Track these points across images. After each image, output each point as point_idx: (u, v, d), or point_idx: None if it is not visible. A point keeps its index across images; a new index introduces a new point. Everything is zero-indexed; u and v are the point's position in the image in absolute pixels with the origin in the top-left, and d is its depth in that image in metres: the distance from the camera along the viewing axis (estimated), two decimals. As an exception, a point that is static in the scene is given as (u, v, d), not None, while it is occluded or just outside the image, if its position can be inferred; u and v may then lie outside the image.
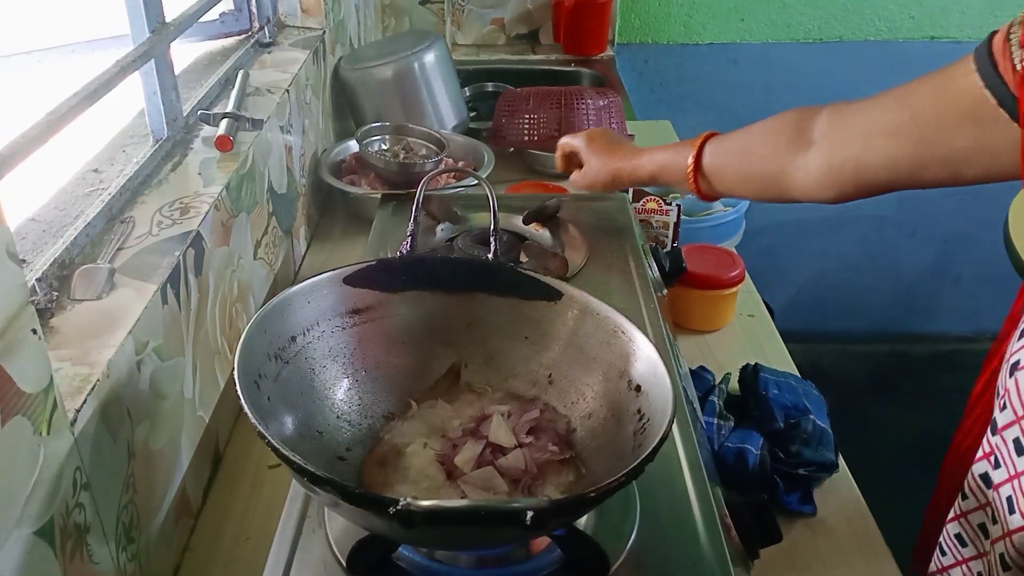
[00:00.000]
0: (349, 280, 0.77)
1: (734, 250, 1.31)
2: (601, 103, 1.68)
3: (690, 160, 1.03)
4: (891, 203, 2.76)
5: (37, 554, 0.58)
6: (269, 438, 0.56)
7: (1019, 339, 0.66)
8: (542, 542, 0.65)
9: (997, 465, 0.67)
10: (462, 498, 0.65)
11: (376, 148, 1.57)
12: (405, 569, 0.64)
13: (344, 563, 0.63)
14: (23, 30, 1.14)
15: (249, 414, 0.58)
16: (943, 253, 2.85)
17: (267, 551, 0.64)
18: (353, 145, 1.58)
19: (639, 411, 0.67)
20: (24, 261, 0.76)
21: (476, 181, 0.93)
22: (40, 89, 1.03)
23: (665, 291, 1.07)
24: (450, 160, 1.60)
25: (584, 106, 1.66)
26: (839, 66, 2.53)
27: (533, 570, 0.64)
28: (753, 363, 1.06)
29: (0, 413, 0.53)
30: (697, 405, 0.93)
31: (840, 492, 0.96)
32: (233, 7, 1.48)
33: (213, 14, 1.44)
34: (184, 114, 1.11)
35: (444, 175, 1.48)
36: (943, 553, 0.75)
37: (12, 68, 1.10)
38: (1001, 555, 0.66)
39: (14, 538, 0.55)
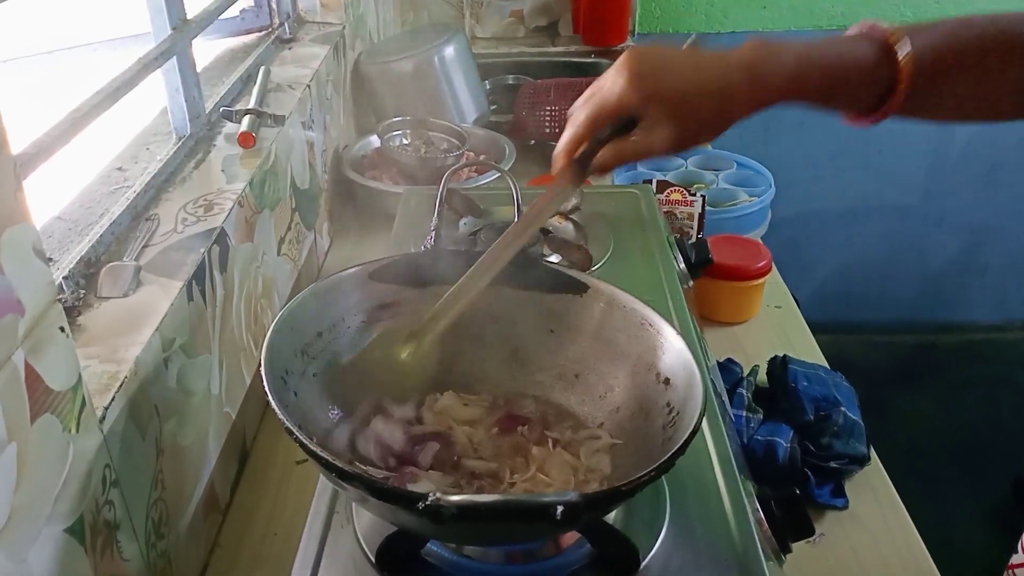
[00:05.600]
0: (374, 275, 0.76)
1: (760, 241, 1.29)
2: (623, 94, 1.66)
3: (905, 53, 0.67)
4: (916, 193, 2.72)
5: (68, 551, 0.58)
6: (297, 434, 0.56)
7: None
8: (571, 537, 0.64)
9: None
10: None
11: (397, 143, 1.56)
12: (434, 565, 0.63)
13: (373, 559, 0.62)
14: (45, 30, 1.15)
15: (277, 410, 0.58)
16: (969, 243, 2.81)
17: (295, 547, 0.64)
18: (374, 140, 1.58)
19: (668, 404, 0.66)
20: (51, 259, 0.76)
21: (498, 174, 0.93)
22: (63, 88, 1.03)
23: (691, 283, 1.06)
24: (471, 154, 1.59)
25: (606, 97, 1.65)
26: (863, 53, 2.50)
27: (563, 565, 0.63)
28: (782, 355, 1.05)
29: (29, 411, 0.53)
30: (726, 398, 0.92)
31: (872, 485, 0.94)
32: (253, 4, 1.48)
33: (234, 11, 1.44)
34: (207, 111, 1.11)
35: (466, 169, 1.48)
36: (1017, 552, 0.73)
37: (35, 67, 1.11)
38: None
39: (45, 535, 0.56)
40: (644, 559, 0.62)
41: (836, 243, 2.79)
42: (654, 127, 0.66)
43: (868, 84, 0.68)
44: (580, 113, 0.69)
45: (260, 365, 0.62)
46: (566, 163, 0.70)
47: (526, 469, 0.68)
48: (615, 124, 0.68)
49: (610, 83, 0.66)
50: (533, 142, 1.69)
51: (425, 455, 0.67)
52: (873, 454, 0.97)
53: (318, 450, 0.55)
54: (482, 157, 1.60)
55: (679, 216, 1.29)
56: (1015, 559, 0.91)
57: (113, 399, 0.65)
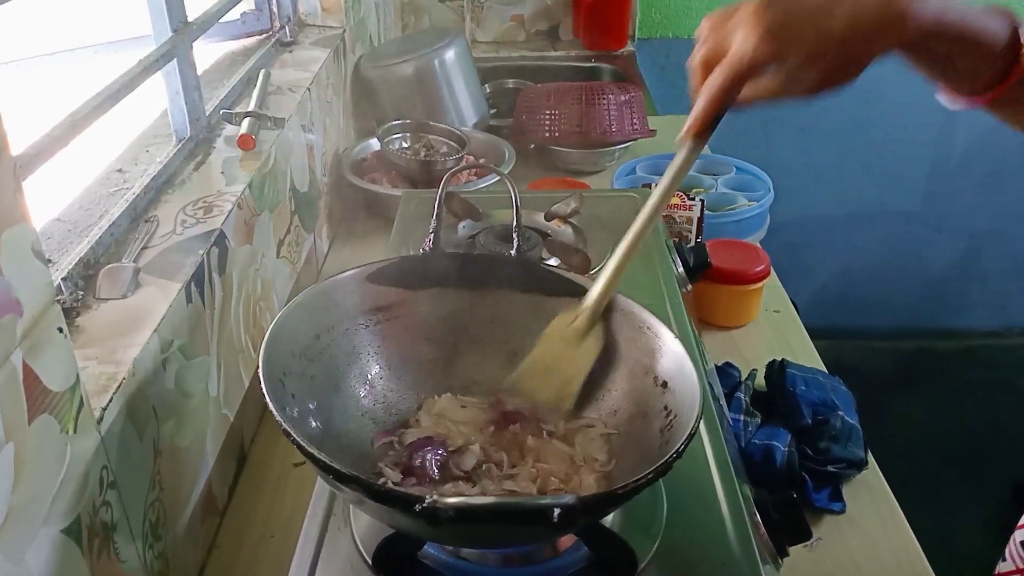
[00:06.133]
0: (373, 278, 0.76)
1: (759, 245, 1.29)
2: (623, 98, 1.67)
3: None
4: (917, 198, 2.72)
5: (65, 552, 0.58)
6: (295, 435, 0.56)
7: None
8: (568, 540, 0.64)
9: None
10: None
11: (397, 146, 1.57)
12: (431, 567, 0.63)
13: (370, 561, 0.62)
14: (46, 31, 1.15)
15: (274, 411, 0.58)
16: (970, 248, 2.81)
17: (292, 549, 0.64)
18: (374, 143, 1.58)
19: (666, 407, 0.66)
20: (50, 260, 0.77)
21: (498, 178, 0.93)
22: (63, 89, 1.03)
23: (690, 287, 1.06)
24: (471, 157, 1.59)
25: (605, 101, 1.65)
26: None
27: (560, 568, 0.63)
28: (780, 359, 1.05)
29: (27, 411, 0.53)
30: (724, 402, 0.92)
31: (870, 489, 0.94)
32: (254, 7, 1.49)
33: (234, 14, 1.44)
34: (207, 114, 1.11)
35: (465, 172, 1.48)
36: (1004, 559, 0.73)
37: (36, 69, 1.11)
38: None
39: (42, 536, 0.56)
40: (641, 563, 0.62)
41: (835, 248, 2.79)
42: (792, 71, 0.63)
43: (992, 58, 0.66)
44: (717, 78, 0.65)
45: (258, 367, 0.62)
46: (701, 129, 0.68)
47: (523, 461, 0.68)
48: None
49: (742, 38, 0.62)
50: (533, 146, 1.69)
51: (428, 463, 0.67)
52: (871, 458, 0.97)
53: (316, 452, 0.55)
54: (482, 160, 1.60)
55: (678, 220, 1.29)
56: (1001, 567, 0.91)
57: (111, 400, 0.65)
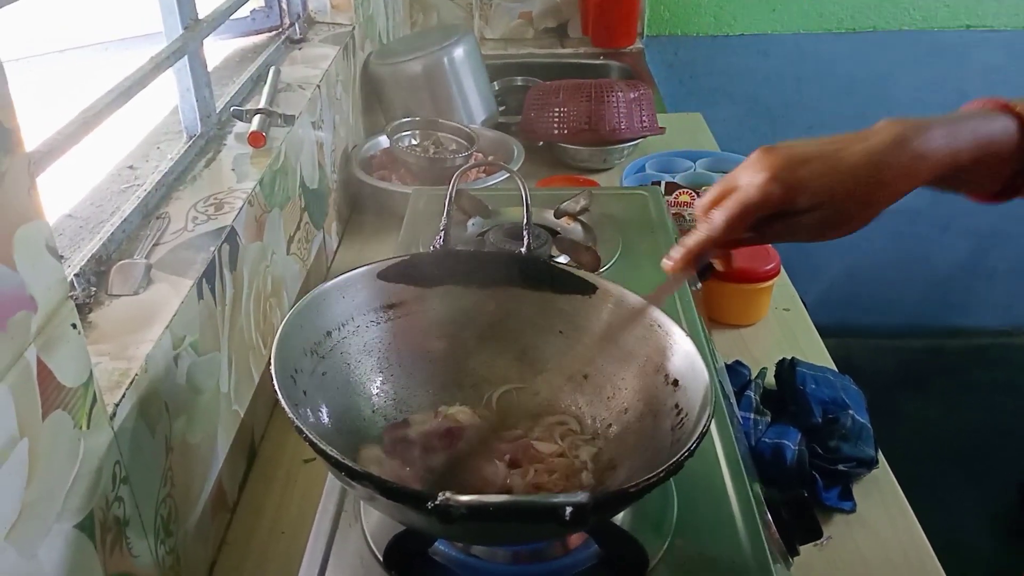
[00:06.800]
0: (383, 275, 0.77)
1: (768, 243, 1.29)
2: (632, 96, 1.67)
3: None
4: (924, 197, 2.65)
5: (78, 547, 0.59)
6: (307, 432, 0.56)
7: None
8: (579, 537, 0.64)
9: None
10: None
11: (406, 143, 1.57)
12: (441, 564, 0.63)
13: (380, 558, 0.63)
14: (58, 29, 1.15)
15: (286, 408, 0.58)
16: (977, 247, 2.80)
17: (303, 545, 0.64)
18: (383, 140, 1.59)
19: (676, 406, 0.66)
20: (62, 257, 0.77)
21: (507, 175, 0.93)
22: (75, 87, 1.04)
23: (699, 285, 1.06)
24: (480, 155, 1.59)
25: (614, 99, 1.65)
26: (872, 56, 2.50)
27: (570, 566, 0.63)
28: (790, 357, 1.05)
29: (41, 407, 0.54)
30: (734, 400, 0.92)
31: (880, 488, 0.94)
32: (264, 4, 1.49)
33: (244, 11, 1.45)
34: (217, 111, 1.12)
35: (474, 169, 1.48)
36: None
37: (48, 66, 1.11)
38: None
39: (55, 531, 0.56)
40: (651, 561, 0.62)
41: (844, 246, 2.76)
42: (800, 216, 0.62)
43: (1009, 160, 0.65)
44: (719, 215, 0.63)
45: (270, 363, 0.62)
46: (689, 264, 0.66)
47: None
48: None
49: (748, 180, 0.62)
50: (541, 143, 1.69)
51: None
52: (881, 458, 0.97)
53: (327, 449, 0.55)
54: (491, 158, 1.60)
55: (688, 218, 1.29)
56: None
57: (123, 396, 0.65)
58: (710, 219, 0.64)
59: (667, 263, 0.67)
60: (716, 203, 0.64)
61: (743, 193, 0.62)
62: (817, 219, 0.62)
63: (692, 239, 0.65)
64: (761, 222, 0.63)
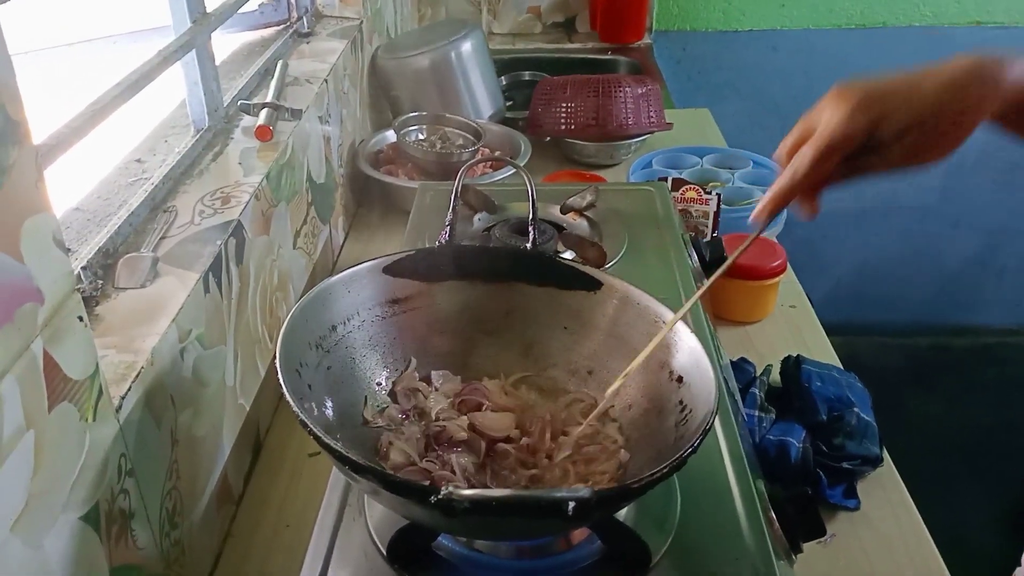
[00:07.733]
0: (389, 270, 0.77)
1: (775, 240, 1.29)
2: (639, 91, 1.66)
3: None
4: (933, 193, 2.70)
5: (83, 538, 0.59)
6: (311, 426, 0.56)
7: None
8: (582, 533, 0.64)
9: None
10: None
11: (413, 138, 1.57)
12: (445, 559, 0.63)
13: (384, 552, 0.63)
14: (66, 22, 1.15)
15: (291, 402, 0.58)
16: (986, 245, 2.80)
17: (307, 539, 0.64)
18: (390, 135, 1.59)
19: (681, 402, 0.66)
20: (69, 250, 0.77)
21: (513, 170, 0.93)
22: (83, 80, 1.04)
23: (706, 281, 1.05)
24: (487, 150, 1.59)
25: (622, 94, 1.65)
26: (882, 52, 2.49)
27: (573, 561, 0.63)
28: (795, 355, 1.05)
29: (47, 399, 0.54)
30: (739, 397, 0.92)
31: (885, 486, 0.94)
32: (272, -3, 1.49)
33: (252, 5, 1.45)
34: (224, 104, 1.12)
35: (481, 164, 1.48)
36: (1021, 565, 0.72)
37: (56, 59, 1.12)
38: None
39: (61, 523, 0.56)
40: (654, 557, 0.62)
41: (851, 243, 2.78)
42: (887, 148, 0.62)
43: None
44: (804, 155, 0.62)
45: (275, 357, 0.63)
46: (775, 211, 0.65)
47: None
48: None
49: (829, 116, 0.61)
50: (549, 138, 1.69)
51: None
52: (886, 455, 0.97)
53: (332, 443, 0.55)
54: (497, 153, 1.60)
55: (694, 214, 1.29)
56: (1019, 573, 0.91)
57: (129, 389, 0.66)
58: (794, 162, 0.62)
59: (756, 210, 0.66)
60: (798, 146, 0.63)
61: (826, 129, 0.61)
62: (908, 146, 0.61)
63: (777, 185, 0.64)
64: (846, 159, 0.62)
